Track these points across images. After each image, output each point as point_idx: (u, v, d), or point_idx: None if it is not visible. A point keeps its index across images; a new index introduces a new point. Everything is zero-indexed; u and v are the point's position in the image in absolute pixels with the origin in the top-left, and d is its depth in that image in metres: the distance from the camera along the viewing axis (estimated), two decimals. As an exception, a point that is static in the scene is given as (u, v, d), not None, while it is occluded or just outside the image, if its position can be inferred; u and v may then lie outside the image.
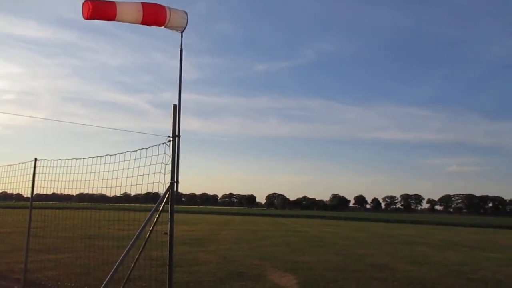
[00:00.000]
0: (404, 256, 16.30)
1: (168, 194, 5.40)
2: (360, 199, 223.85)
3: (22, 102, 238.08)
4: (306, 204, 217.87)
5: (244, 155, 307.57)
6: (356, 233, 31.43)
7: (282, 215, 78.34)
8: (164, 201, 5.43)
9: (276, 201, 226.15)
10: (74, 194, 8.63)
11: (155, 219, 5.52)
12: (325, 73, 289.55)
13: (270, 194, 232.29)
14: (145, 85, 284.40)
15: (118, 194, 7.19)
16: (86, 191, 7.83)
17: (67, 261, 10.94)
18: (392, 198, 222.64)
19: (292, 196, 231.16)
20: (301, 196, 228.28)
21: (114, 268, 5.03)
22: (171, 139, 5.52)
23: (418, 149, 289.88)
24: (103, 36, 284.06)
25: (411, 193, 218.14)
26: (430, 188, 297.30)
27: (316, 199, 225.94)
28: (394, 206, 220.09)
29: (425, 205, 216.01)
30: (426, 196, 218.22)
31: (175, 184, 5.43)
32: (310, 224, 44.68)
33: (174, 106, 5.61)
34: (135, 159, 5.98)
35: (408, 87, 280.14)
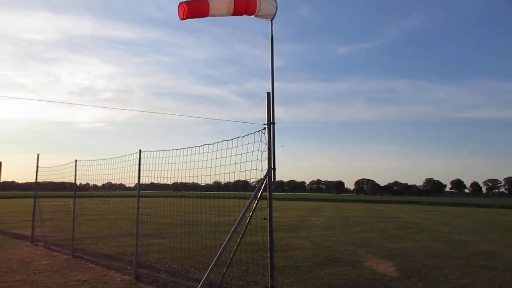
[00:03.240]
0: (514, 243, 15.01)
1: (266, 180, 5.49)
2: (458, 183, 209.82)
3: (119, 99, 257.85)
4: (397, 189, 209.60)
5: (330, 141, 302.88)
6: (456, 219, 29.57)
7: (373, 200, 76.23)
8: (262, 187, 5.54)
9: (366, 187, 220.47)
10: (170, 183, 9.11)
11: (254, 205, 5.66)
12: (411, 52, 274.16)
13: (359, 180, 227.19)
14: (229, 77, 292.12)
15: (209, 182, 7.50)
16: (181, 180, 8.28)
17: (169, 245, 11.68)
18: (494, 181, 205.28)
19: (382, 182, 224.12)
20: (392, 181, 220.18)
21: (219, 252, 5.28)
22: (266, 126, 5.60)
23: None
24: (188, 32, 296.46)
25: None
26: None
27: (408, 184, 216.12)
28: (497, 191, 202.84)
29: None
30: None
31: (272, 170, 5.51)
32: (404, 210, 42.95)
33: (268, 94, 5.66)
34: (232, 148, 6.16)
35: (506, 60, 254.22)
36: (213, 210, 8.25)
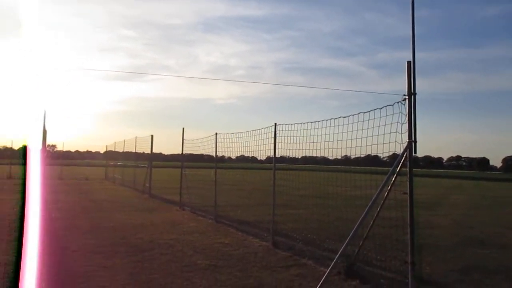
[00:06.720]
0: None
1: (406, 154, 5.29)
2: None
3: (250, 76, 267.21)
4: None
5: (473, 113, 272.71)
6: None
7: (525, 180, 67.62)
8: (401, 161, 5.35)
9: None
10: (299, 157, 9.26)
11: (392, 180, 5.51)
12: None
13: (507, 157, 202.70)
14: (358, 48, 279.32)
15: (338, 156, 7.43)
16: (311, 154, 8.36)
17: (303, 216, 12.02)
18: None
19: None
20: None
21: (357, 224, 5.30)
22: (407, 97, 5.35)
23: None
24: (315, 4, 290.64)
25: None
26: None
27: None
28: None
29: None
30: None
31: (413, 143, 5.28)
32: None
33: (408, 63, 5.38)
34: (368, 120, 6.05)
35: None
36: (346, 184, 8.24)
